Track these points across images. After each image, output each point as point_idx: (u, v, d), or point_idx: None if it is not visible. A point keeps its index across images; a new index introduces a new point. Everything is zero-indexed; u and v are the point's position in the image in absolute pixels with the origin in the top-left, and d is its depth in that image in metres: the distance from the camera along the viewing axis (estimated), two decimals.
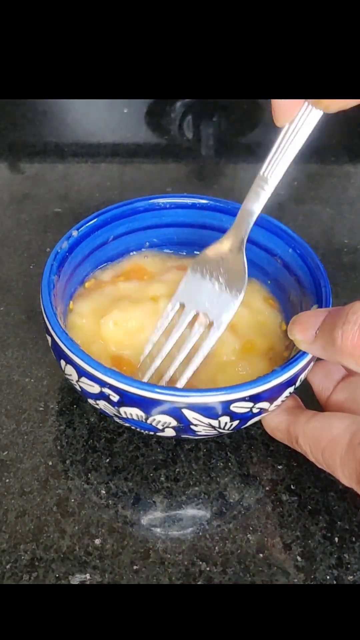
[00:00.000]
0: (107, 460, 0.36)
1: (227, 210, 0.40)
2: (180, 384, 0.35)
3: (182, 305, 0.37)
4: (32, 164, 0.61)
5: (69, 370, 0.32)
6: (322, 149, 0.62)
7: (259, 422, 0.35)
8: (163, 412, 0.30)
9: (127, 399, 0.30)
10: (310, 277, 0.37)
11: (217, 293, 0.36)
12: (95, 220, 0.39)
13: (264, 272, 0.41)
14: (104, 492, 0.35)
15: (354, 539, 0.33)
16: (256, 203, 0.35)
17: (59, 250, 0.36)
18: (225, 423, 0.31)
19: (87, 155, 0.62)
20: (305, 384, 0.35)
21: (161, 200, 0.41)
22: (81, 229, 0.38)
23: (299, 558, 0.32)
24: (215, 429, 0.32)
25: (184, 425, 0.31)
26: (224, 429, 0.32)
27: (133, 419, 0.31)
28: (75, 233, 0.38)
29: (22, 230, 0.52)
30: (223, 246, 0.36)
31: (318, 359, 0.33)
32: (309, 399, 0.40)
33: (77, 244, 0.38)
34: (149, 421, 0.31)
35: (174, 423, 0.31)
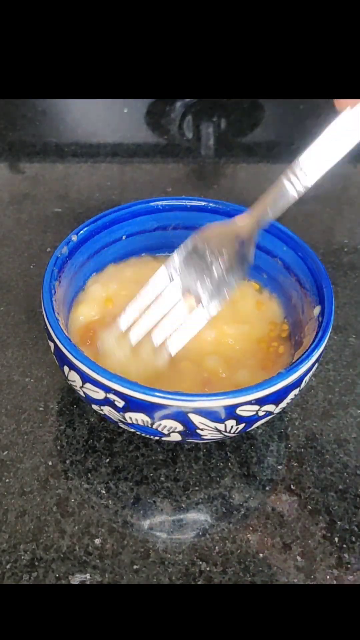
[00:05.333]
0: (107, 460, 0.36)
1: (227, 213, 0.40)
2: (170, 352, 0.34)
3: (171, 278, 0.34)
4: (32, 164, 0.61)
5: (73, 376, 0.32)
6: None
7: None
8: (169, 417, 0.30)
9: (132, 405, 0.30)
10: (311, 278, 0.37)
11: (213, 277, 0.33)
12: (94, 224, 0.39)
13: (263, 274, 0.41)
14: (104, 492, 0.35)
15: (354, 539, 0.33)
16: (284, 201, 0.31)
17: (59, 256, 0.36)
18: (232, 427, 0.31)
19: (87, 155, 0.62)
20: (309, 385, 0.35)
21: (160, 203, 0.41)
22: (80, 233, 0.38)
23: (299, 558, 0.32)
24: (222, 433, 0.32)
25: (190, 430, 0.31)
26: (229, 432, 0.32)
27: (138, 425, 0.31)
28: (74, 238, 0.37)
29: (22, 230, 0.52)
30: (235, 228, 0.34)
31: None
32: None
33: (77, 249, 0.38)
34: (154, 426, 0.31)
35: (180, 428, 0.31)
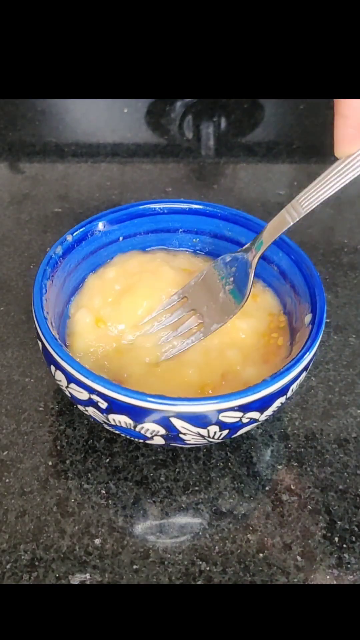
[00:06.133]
0: (107, 460, 0.36)
1: (225, 217, 0.40)
2: (161, 357, 0.36)
3: (186, 298, 0.38)
4: (32, 164, 0.61)
5: (59, 376, 0.32)
6: (322, 149, 0.62)
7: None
8: (152, 421, 0.30)
9: (115, 407, 0.30)
10: (305, 286, 0.36)
11: (217, 302, 0.37)
12: (90, 224, 0.39)
13: (259, 280, 0.41)
14: (104, 492, 0.35)
15: (354, 539, 0.33)
16: (281, 226, 0.35)
17: (53, 255, 0.36)
18: (215, 432, 0.31)
19: (87, 155, 0.62)
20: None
21: (157, 206, 0.41)
22: (75, 233, 0.38)
23: (299, 558, 0.32)
24: (205, 438, 0.31)
25: (172, 434, 0.31)
26: (213, 438, 0.32)
27: (122, 427, 0.31)
28: (69, 238, 0.37)
29: (22, 230, 0.52)
30: (243, 258, 0.36)
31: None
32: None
33: (71, 249, 0.38)
34: (137, 429, 0.31)
35: (162, 431, 0.31)
